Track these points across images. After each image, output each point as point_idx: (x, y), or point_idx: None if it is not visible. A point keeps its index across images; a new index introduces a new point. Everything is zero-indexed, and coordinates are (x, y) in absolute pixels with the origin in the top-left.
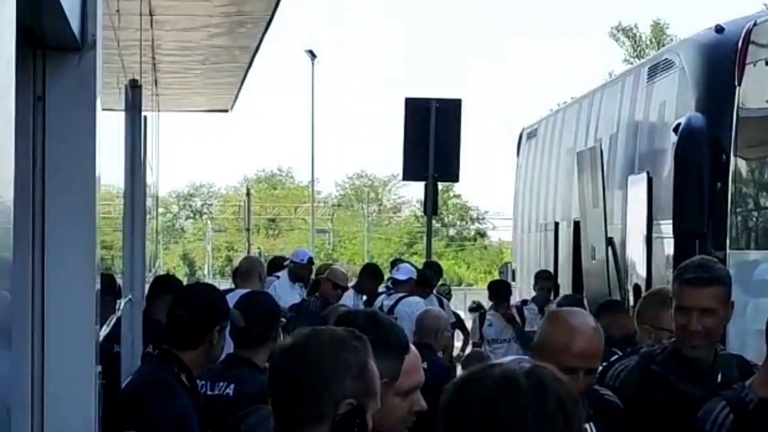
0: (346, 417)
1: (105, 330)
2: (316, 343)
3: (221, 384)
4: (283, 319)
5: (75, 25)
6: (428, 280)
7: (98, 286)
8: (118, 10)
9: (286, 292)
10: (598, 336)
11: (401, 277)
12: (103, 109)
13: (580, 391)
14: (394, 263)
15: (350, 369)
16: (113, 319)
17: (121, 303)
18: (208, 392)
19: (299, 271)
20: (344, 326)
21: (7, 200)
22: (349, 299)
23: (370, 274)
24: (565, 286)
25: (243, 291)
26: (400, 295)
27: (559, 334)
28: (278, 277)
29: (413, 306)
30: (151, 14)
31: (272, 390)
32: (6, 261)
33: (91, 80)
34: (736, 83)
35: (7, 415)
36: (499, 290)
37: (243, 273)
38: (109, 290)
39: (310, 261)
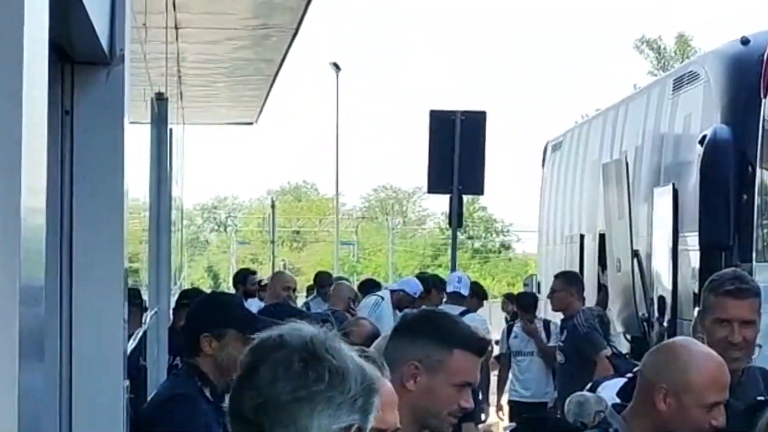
0: None
1: (132, 344)
2: None
3: None
4: None
5: (104, 39)
6: (479, 293)
7: (126, 299)
8: (144, 24)
9: (386, 319)
10: None
11: (465, 291)
12: (130, 122)
13: (724, 425)
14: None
15: None
16: (140, 333)
17: (148, 316)
18: None
19: (407, 304)
20: (403, 324)
21: (39, 212)
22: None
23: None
24: (591, 299)
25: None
26: (464, 309)
27: (704, 370)
28: (383, 298)
29: (479, 324)
30: (176, 27)
31: None
32: (39, 273)
33: (119, 94)
34: (762, 95)
35: (40, 428)
36: (525, 302)
37: None
38: (136, 303)
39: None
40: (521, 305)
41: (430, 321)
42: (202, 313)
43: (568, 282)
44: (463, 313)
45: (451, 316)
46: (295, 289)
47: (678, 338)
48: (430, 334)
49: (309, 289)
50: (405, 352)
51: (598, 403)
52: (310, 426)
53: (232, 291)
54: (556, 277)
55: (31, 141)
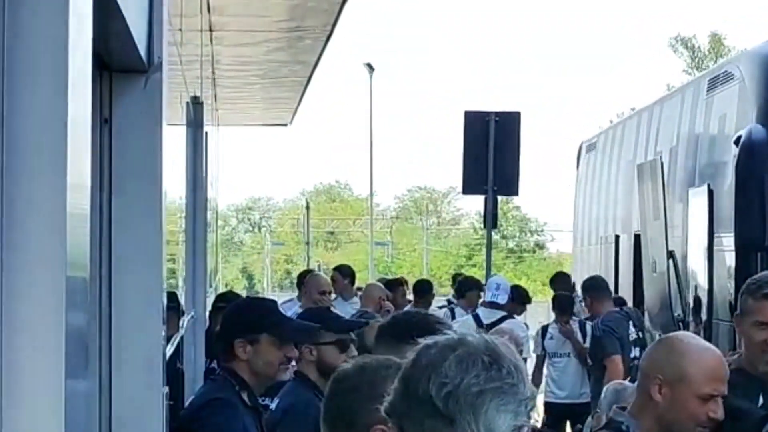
0: None
1: (170, 349)
2: (359, 371)
3: (277, 398)
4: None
5: (141, 47)
6: (520, 297)
7: (165, 304)
8: (180, 29)
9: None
10: None
11: (503, 299)
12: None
13: (722, 418)
14: (455, 277)
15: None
16: (177, 338)
17: (185, 320)
18: (270, 404)
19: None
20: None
21: (83, 217)
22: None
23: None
24: (626, 299)
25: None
26: (503, 314)
27: (699, 362)
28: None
29: (517, 329)
30: (211, 30)
31: (323, 411)
32: (85, 277)
33: (157, 102)
34: None
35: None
36: (562, 303)
37: None
38: (173, 307)
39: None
40: (557, 306)
41: (395, 321)
42: (236, 318)
43: (583, 289)
44: (502, 318)
45: (414, 313)
46: (330, 292)
47: (678, 333)
48: (390, 333)
49: None
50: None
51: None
52: (496, 419)
53: (269, 292)
54: None
55: (75, 149)
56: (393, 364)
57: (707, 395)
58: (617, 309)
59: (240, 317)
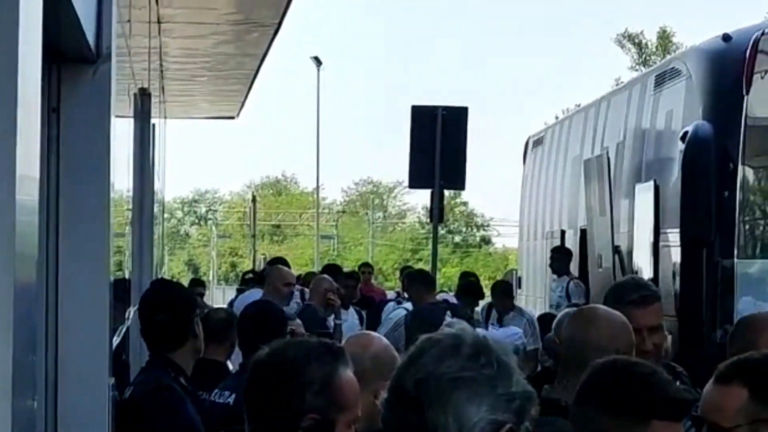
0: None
1: (116, 340)
2: (279, 358)
3: (226, 393)
4: (292, 328)
5: (90, 37)
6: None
7: (111, 295)
8: (129, 20)
9: None
10: None
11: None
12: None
13: None
14: (403, 270)
15: (312, 384)
16: (123, 329)
17: (131, 312)
18: (217, 400)
19: None
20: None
21: (32, 206)
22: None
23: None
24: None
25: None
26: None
27: (628, 330)
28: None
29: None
30: (159, 22)
31: (244, 398)
32: (32, 267)
33: (106, 92)
34: (744, 92)
35: (32, 415)
36: (500, 291)
37: None
38: (120, 299)
39: None
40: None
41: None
42: (192, 300)
43: (407, 282)
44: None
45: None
46: (294, 284)
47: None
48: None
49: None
50: None
51: None
52: (468, 409)
53: (214, 285)
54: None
55: (25, 138)
56: (312, 348)
57: None
58: (435, 301)
59: (192, 299)
